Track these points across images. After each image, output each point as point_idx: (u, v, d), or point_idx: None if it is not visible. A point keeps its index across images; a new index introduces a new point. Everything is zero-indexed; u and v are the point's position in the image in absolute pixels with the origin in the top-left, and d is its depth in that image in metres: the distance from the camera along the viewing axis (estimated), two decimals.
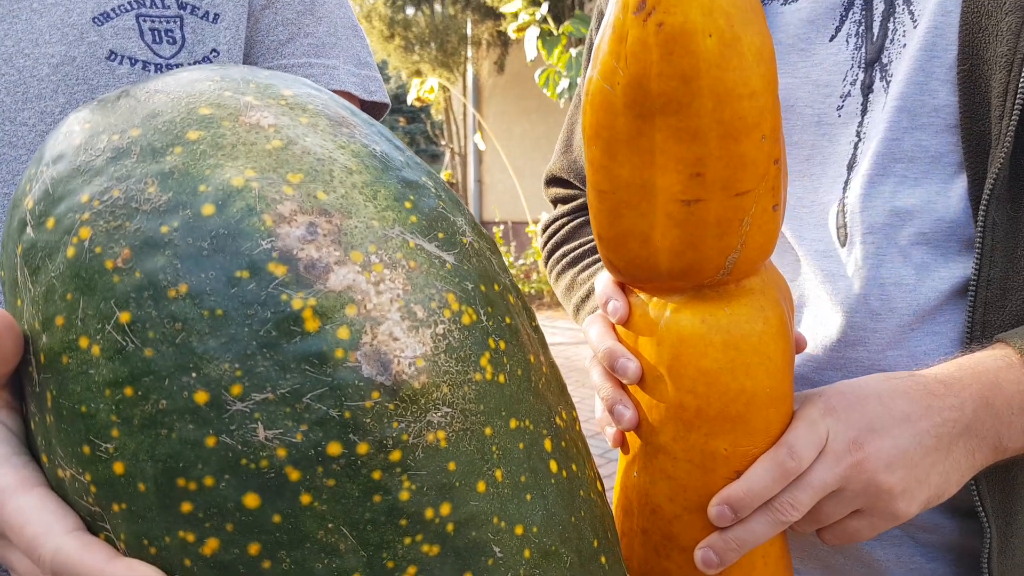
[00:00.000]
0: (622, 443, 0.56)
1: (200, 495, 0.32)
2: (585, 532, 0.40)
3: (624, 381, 0.53)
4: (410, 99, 7.58)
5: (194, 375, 0.32)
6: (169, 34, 0.62)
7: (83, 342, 0.33)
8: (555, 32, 5.89)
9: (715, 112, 0.44)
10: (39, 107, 0.54)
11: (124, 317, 0.33)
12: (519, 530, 0.37)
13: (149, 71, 0.60)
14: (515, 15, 6.22)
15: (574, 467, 0.42)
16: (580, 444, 0.44)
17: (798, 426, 0.51)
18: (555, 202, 0.89)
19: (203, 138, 0.35)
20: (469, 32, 8.55)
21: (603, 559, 0.41)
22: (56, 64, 0.55)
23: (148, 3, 0.61)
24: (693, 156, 0.45)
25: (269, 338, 0.33)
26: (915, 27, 0.61)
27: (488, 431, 0.36)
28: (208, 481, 0.32)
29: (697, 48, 0.43)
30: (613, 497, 0.59)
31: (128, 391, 0.33)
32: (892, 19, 0.62)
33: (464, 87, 9.14)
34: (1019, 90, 0.55)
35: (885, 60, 0.62)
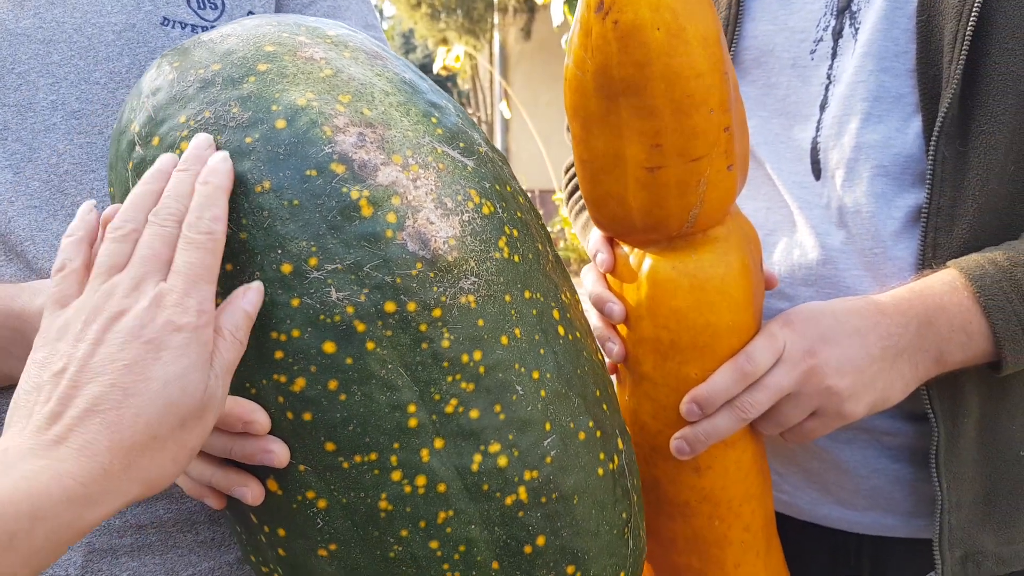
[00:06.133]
0: (615, 372, 0.66)
1: (289, 344, 0.42)
2: (588, 383, 0.50)
3: (612, 321, 0.62)
4: (436, 68, 7.62)
5: (280, 251, 0.42)
6: (211, 0, 0.71)
7: None
8: None
9: (667, 92, 0.52)
10: (108, 68, 0.63)
11: None
12: (535, 375, 0.46)
13: (198, 33, 0.69)
14: None
15: (578, 334, 0.51)
16: (582, 321, 0.53)
17: (758, 338, 0.59)
18: None
19: (271, 69, 0.45)
20: None
21: (604, 406, 0.51)
22: (119, 30, 0.64)
23: None
24: (652, 130, 0.54)
25: (335, 222, 0.42)
26: None
27: (507, 298, 0.46)
28: (295, 333, 0.42)
29: (647, 40, 0.51)
30: None
31: (228, 267, 0.42)
32: None
33: (491, 55, 9.15)
34: (966, 39, 0.62)
35: (855, 8, 0.69)
